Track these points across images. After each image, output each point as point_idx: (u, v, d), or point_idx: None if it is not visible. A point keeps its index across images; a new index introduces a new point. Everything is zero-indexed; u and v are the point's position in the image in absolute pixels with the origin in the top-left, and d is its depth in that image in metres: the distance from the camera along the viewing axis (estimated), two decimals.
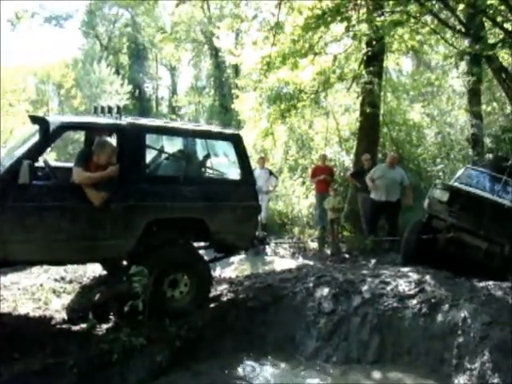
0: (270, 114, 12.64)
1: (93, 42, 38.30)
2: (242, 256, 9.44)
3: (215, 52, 32.69)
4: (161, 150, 5.79)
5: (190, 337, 5.09)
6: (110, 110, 5.51)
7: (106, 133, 5.28)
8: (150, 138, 5.37)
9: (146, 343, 4.61)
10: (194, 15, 31.55)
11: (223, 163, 6.12)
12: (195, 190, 5.35)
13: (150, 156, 5.52)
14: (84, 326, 4.92)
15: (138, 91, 38.74)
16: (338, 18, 9.55)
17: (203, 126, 6.57)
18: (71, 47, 63.19)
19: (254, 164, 11.22)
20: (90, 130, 5.60)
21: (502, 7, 8.18)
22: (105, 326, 4.98)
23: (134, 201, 5.02)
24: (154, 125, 5.76)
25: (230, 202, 5.60)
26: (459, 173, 8.70)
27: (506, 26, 8.57)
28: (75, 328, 5.00)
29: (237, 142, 5.82)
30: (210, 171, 5.96)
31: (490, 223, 7.01)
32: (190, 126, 6.17)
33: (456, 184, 7.93)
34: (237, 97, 16.52)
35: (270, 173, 11.32)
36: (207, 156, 5.84)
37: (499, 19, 8.48)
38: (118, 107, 5.41)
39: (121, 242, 5.03)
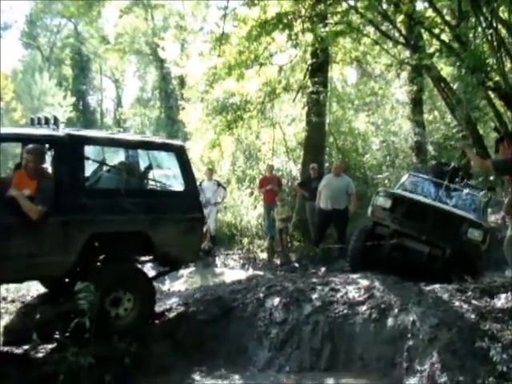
0: (217, 125, 12.58)
1: (34, 53, 37.26)
2: (192, 269, 9.30)
3: (160, 63, 32.52)
4: (101, 162, 5.57)
5: (140, 353, 4.89)
6: (47, 120, 5.29)
7: (43, 144, 5.05)
8: (89, 150, 5.17)
9: (94, 362, 4.35)
10: (137, 26, 31.29)
11: (166, 174, 5.96)
12: (137, 203, 5.16)
13: (89, 168, 5.32)
14: (26, 347, 4.66)
15: (81, 103, 38.05)
16: (280, 26, 9.63)
17: (145, 137, 6.37)
18: (10, 58, 61.28)
19: (201, 176, 11.13)
20: (26, 141, 5.33)
21: (438, 19, 8.47)
22: (49, 346, 4.73)
23: (72, 215, 4.79)
24: (93, 136, 5.50)
25: (174, 215, 5.44)
26: (402, 180, 8.89)
27: (442, 37, 8.86)
28: (17, 350, 4.72)
29: (180, 153, 5.66)
30: (153, 183, 5.77)
31: (431, 228, 7.18)
32: (131, 137, 5.98)
33: (399, 191, 8.07)
34: (183, 108, 16.42)
35: (218, 184, 11.21)
36: (149, 167, 5.66)
37: (436, 31, 8.77)
38: (55, 118, 5.17)
39: (60, 259, 4.77)
